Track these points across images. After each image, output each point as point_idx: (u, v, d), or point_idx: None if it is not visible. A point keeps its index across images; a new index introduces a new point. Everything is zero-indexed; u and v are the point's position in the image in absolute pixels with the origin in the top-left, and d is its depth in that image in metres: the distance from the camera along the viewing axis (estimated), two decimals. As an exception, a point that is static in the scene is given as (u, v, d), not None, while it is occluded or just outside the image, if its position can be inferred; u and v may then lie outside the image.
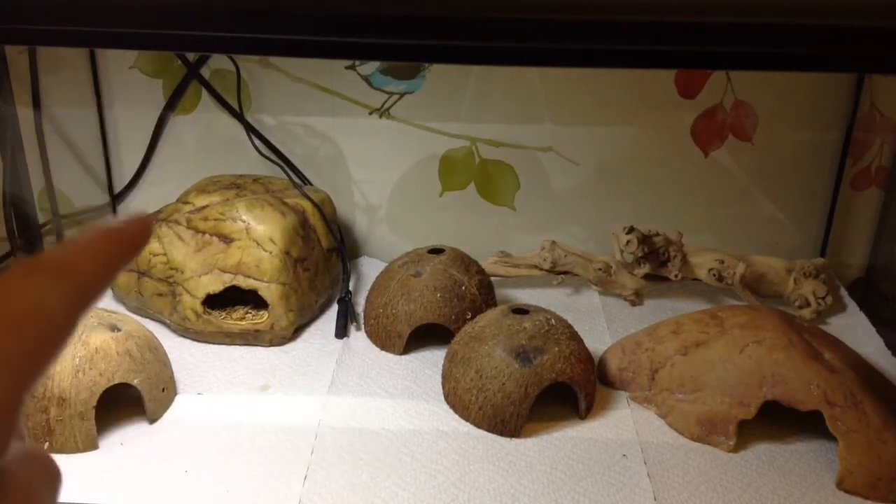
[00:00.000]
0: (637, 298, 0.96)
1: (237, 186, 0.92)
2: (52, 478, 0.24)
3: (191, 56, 0.98)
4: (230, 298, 0.86)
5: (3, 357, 0.21)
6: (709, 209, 1.03)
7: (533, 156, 1.01)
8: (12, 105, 0.90)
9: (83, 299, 0.24)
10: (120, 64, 0.99)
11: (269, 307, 0.85)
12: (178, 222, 0.89)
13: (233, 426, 0.74)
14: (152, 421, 0.75)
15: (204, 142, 1.03)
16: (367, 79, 0.98)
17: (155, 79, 1.00)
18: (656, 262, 0.92)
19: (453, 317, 0.84)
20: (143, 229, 0.26)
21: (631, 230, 0.91)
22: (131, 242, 0.26)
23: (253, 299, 0.86)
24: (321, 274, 0.92)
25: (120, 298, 0.93)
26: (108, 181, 1.05)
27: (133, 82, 1.00)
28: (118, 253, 0.25)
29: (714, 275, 0.91)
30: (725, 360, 0.75)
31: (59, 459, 0.76)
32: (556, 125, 1.00)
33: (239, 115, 1.00)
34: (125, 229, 0.26)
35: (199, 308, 0.85)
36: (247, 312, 0.87)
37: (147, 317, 0.90)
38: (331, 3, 0.54)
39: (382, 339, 0.86)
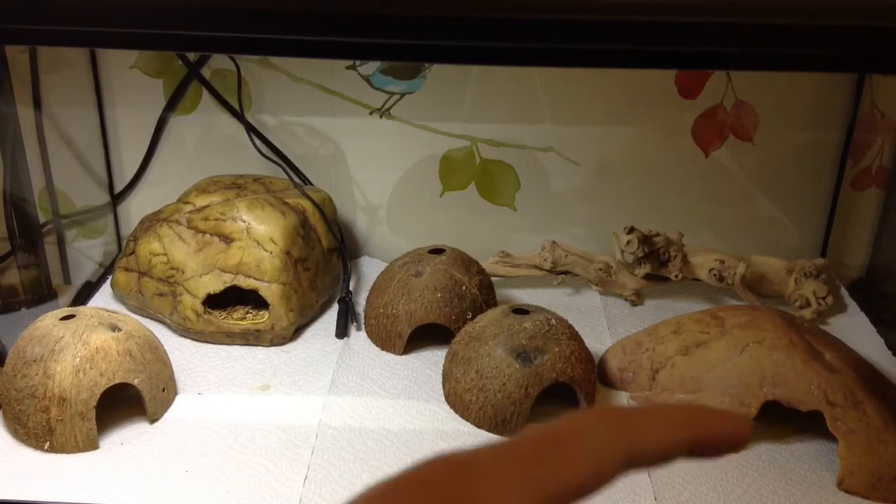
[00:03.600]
0: (637, 298, 0.96)
1: (238, 186, 0.92)
2: None
3: (191, 56, 0.98)
4: (230, 298, 0.86)
5: (538, 475, 0.23)
6: (709, 209, 1.03)
7: (533, 156, 1.01)
8: (12, 105, 0.90)
9: (629, 460, 0.24)
10: (120, 64, 0.99)
11: (270, 307, 0.85)
12: (178, 222, 0.89)
13: (233, 426, 0.74)
14: (152, 421, 0.75)
15: (204, 142, 1.03)
16: (367, 79, 0.98)
17: (155, 79, 1.00)
18: (657, 263, 0.92)
19: (454, 317, 0.84)
20: (736, 426, 0.25)
21: (631, 230, 0.91)
22: (711, 430, 0.25)
23: (253, 299, 0.86)
24: (322, 274, 0.92)
25: (120, 298, 0.93)
26: (108, 181, 1.05)
27: (133, 82, 1.00)
28: (689, 440, 0.25)
29: (714, 275, 0.91)
30: (726, 361, 0.75)
31: (59, 459, 0.76)
32: (556, 125, 1.00)
33: (239, 115, 1.00)
34: (714, 417, 0.25)
35: (200, 308, 0.85)
36: (247, 312, 0.87)
37: (147, 317, 0.90)
38: (331, 3, 0.54)
39: (383, 339, 0.86)
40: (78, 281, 1.01)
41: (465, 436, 0.74)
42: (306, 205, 0.92)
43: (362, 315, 0.91)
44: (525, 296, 0.98)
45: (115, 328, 0.73)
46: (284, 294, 0.85)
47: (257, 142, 1.01)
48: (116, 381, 0.71)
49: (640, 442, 0.24)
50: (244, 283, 0.85)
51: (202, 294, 0.85)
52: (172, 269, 0.87)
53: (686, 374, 0.77)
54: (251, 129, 1.01)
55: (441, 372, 0.81)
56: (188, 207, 0.90)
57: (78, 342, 0.70)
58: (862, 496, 0.68)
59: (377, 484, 0.23)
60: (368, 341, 0.88)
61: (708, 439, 0.25)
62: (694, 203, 1.02)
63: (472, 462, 0.23)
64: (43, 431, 0.70)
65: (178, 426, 0.74)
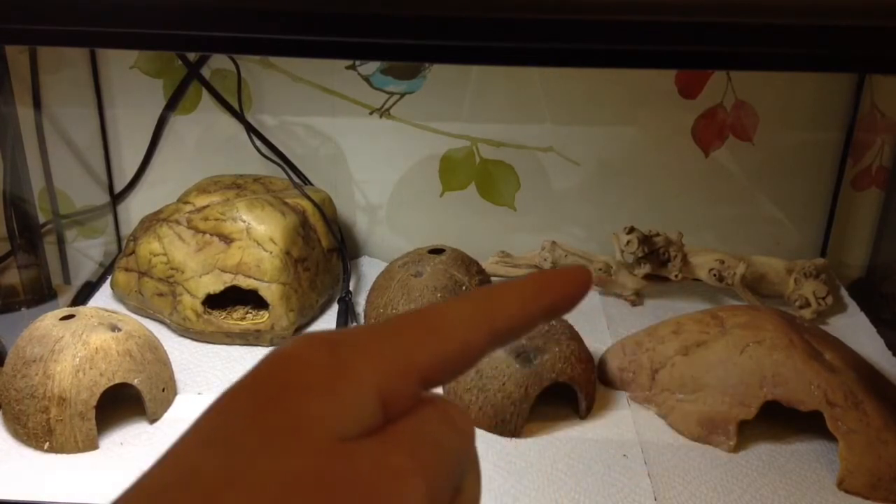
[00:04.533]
0: (637, 298, 0.96)
1: (237, 186, 0.92)
2: (453, 425, 0.24)
3: (191, 56, 0.98)
4: (230, 298, 0.86)
5: (407, 349, 0.23)
6: (709, 209, 1.03)
7: (533, 156, 1.01)
8: (12, 105, 0.90)
9: (494, 334, 0.25)
10: (120, 64, 0.99)
11: (270, 307, 0.85)
12: (178, 222, 0.89)
13: (233, 426, 0.74)
14: (152, 421, 0.75)
15: (204, 142, 1.03)
16: (367, 79, 0.98)
17: (155, 79, 1.00)
18: (657, 263, 0.92)
19: (453, 317, 0.84)
20: (577, 279, 0.27)
21: (631, 230, 0.91)
22: (559, 289, 0.26)
23: (253, 299, 0.86)
24: (321, 274, 0.92)
25: (120, 298, 0.93)
26: (108, 181, 1.05)
27: (133, 82, 1.00)
28: (541, 296, 0.26)
29: (714, 275, 0.91)
30: (726, 361, 0.75)
31: (59, 459, 0.76)
32: (556, 125, 1.00)
33: (239, 115, 1.00)
34: (561, 275, 0.27)
35: (200, 308, 0.85)
36: (247, 312, 0.87)
37: (147, 317, 0.90)
38: (331, 3, 0.54)
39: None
40: (78, 281, 1.01)
41: (465, 436, 0.74)
42: (306, 205, 0.92)
43: (362, 315, 0.91)
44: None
45: (114, 328, 0.73)
46: (284, 294, 0.85)
47: (257, 142, 1.01)
48: (116, 381, 0.71)
49: (500, 316, 0.25)
50: (244, 283, 0.85)
51: (202, 294, 0.84)
52: (172, 269, 0.87)
53: (686, 374, 0.77)
54: (251, 129, 1.01)
55: (441, 372, 0.81)
56: (188, 207, 0.90)
57: (78, 342, 0.70)
58: (862, 496, 0.68)
59: (245, 374, 0.23)
60: (368, 341, 0.88)
61: (557, 300, 0.26)
62: (694, 203, 1.02)
63: (339, 339, 0.23)
64: (43, 431, 0.70)
65: (178, 426, 0.74)
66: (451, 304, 0.25)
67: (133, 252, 0.91)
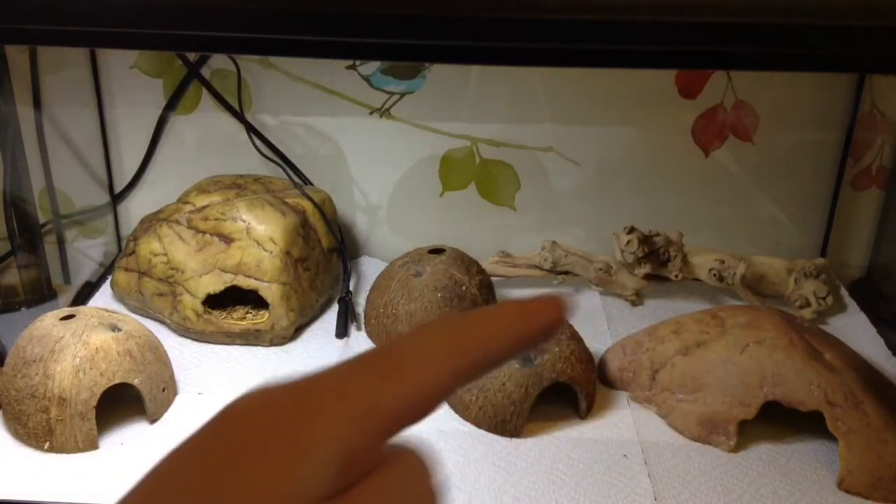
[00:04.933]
0: (637, 298, 0.96)
1: (238, 186, 0.92)
2: (419, 482, 0.23)
3: (191, 56, 0.98)
4: (230, 298, 0.86)
5: (367, 394, 0.22)
6: (709, 209, 1.03)
7: (533, 156, 1.01)
8: (12, 105, 0.90)
9: (463, 373, 0.24)
10: (120, 64, 0.99)
11: (270, 307, 0.85)
12: (178, 222, 0.89)
13: (233, 426, 0.74)
14: (152, 421, 0.75)
15: (204, 142, 1.03)
16: (367, 79, 0.98)
17: (155, 79, 1.00)
18: (657, 263, 0.92)
19: (453, 317, 0.84)
20: (553, 309, 0.25)
21: (631, 230, 0.91)
22: (536, 319, 0.25)
23: (253, 299, 0.86)
24: (322, 274, 0.92)
25: (120, 298, 0.93)
26: (108, 181, 1.05)
27: (133, 82, 1.00)
28: (517, 327, 0.25)
29: (714, 275, 0.91)
30: (726, 361, 0.75)
31: (59, 459, 0.76)
32: (556, 125, 1.00)
33: (239, 115, 1.00)
34: (534, 305, 0.25)
35: (200, 308, 0.85)
36: (247, 312, 0.87)
37: (147, 317, 0.90)
38: (331, 3, 0.55)
39: (383, 339, 0.86)
40: (78, 281, 1.01)
41: (465, 435, 0.74)
42: (306, 205, 0.92)
43: (362, 315, 0.91)
44: (525, 296, 0.98)
45: (115, 328, 0.73)
46: (284, 294, 0.85)
47: (257, 142, 1.01)
48: (116, 381, 0.71)
49: (465, 351, 0.24)
50: (244, 283, 0.85)
51: (202, 294, 0.84)
52: (172, 269, 0.87)
53: (686, 374, 0.77)
54: (251, 129, 1.01)
55: (441, 372, 0.81)
56: (188, 207, 0.90)
57: (78, 342, 0.70)
58: (862, 496, 0.68)
59: (196, 431, 0.21)
60: (368, 341, 0.88)
61: (532, 333, 0.25)
62: (694, 203, 1.02)
63: (296, 393, 0.22)
64: (43, 431, 0.70)
65: (178, 426, 0.74)
66: (412, 341, 0.24)
67: (133, 252, 0.91)
